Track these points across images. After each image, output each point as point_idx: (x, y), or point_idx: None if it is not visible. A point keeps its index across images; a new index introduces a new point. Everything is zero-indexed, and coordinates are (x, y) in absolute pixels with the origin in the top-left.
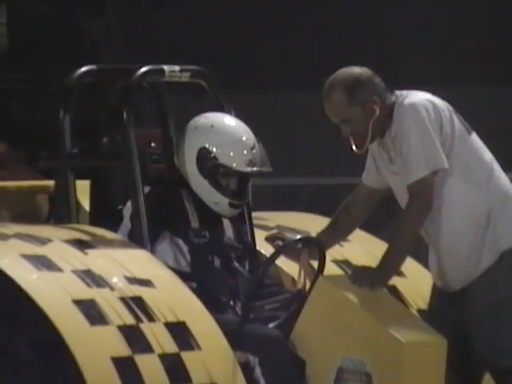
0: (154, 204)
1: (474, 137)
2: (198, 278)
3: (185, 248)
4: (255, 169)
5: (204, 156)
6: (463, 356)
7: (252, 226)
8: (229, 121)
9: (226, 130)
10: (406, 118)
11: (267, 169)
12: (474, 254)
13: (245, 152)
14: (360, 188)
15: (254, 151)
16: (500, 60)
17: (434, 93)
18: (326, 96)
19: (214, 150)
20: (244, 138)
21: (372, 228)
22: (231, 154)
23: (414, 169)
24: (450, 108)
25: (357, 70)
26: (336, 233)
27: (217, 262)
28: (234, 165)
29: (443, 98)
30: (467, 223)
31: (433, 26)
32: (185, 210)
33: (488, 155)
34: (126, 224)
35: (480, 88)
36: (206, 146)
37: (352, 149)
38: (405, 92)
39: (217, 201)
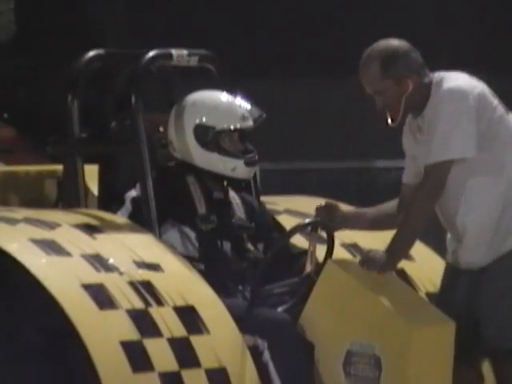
0: (159, 192)
1: (510, 118)
2: (206, 263)
3: (192, 235)
4: (250, 122)
5: (201, 131)
6: (474, 337)
7: (264, 206)
8: (204, 92)
9: (206, 99)
10: (442, 102)
11: (260, 115)
12: (500, 233)
13: (234, 109)
14: (404, 188)
15: (242, 105)
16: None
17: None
18: (362, 66)
19: (207, 121)
20: (228, 99)
21: None
22: (223, 116)
23: (437, 151)
24: (486, 89)
25: (395, 42)
26: (355, 221)
27: (226, 246)
28: (232, 125)
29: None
30: (496, 201)
31: (437, 12)
32: (191, 196)
33: None
34: (127, 207)
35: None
36: (197, 121)
37: (386, 122)
38: (443, 73)
39: (233, 166)
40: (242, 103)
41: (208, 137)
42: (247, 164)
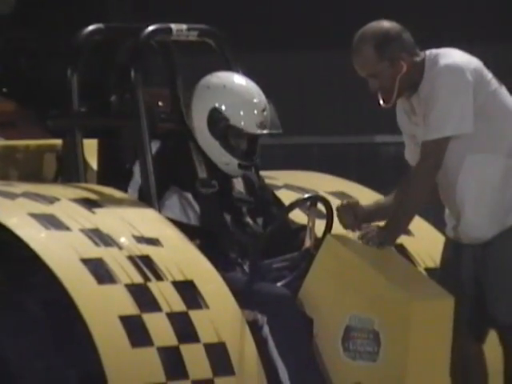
0: (162, 158)
1: (506, 92)
2: (207, 232)
3: (194, 201)
4: (265, 131)
5: (216, 116)
6: (477, 311)
7: (263, 181)
8: (241, 81)
9: (238, 91)
10: (439, 78)
11: (277, 131)
12: (503, 207)
13: (256, 113)
14: (410, 169)
15: (265, 113)
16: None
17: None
18: (354, 50)
19: (226, 110)
20: (256, 100)
21: (381, 187)
22: (242, 115)
23: (435, 128)
24: (481, 64)
25: (386, 24)
26: (378, 213)
27: (227, 217)
28: (245, 126)
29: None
30: (496, 174)
31: None
32: (192, 161)
33: None
34: (137, 180)
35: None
36: (217, 106)
37: (379, 103)
38: (435, 51)
39: (227, 162)
40: (268, 111)
41: (219, 124)
42: (240, 166)
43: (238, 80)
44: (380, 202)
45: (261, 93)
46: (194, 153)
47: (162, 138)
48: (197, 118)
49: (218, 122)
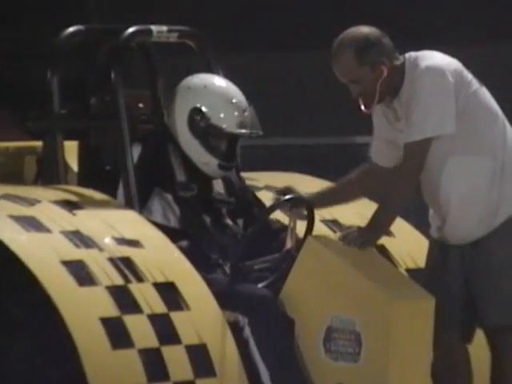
0: (142, 161)
1: (486, 93)
2: (187, 234)
3: (174, 204)
4: (245, 131)
5: (196, 116)
6: (464, 312)
7: (244, 182)
8: (222, 82)
9: (218, 91)
10: (419, 80)
11: (257, 132)
12: (489, 207)
13: (236, 114)
14: (370, 166)
15: (246, 114)
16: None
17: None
18: (334, 56)
19: (206, 110)
20: (236, 100)
21: None
22: (223, 115)
23: (416, 129)
24: (461, 65)
25: (366, 29)
26: (334, 199)
27: (207, 219)
28: (225, 126)
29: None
30: (480, 175)
31: None
32: (171, 164)
33: (500, 111)
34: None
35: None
36: (198, 106)
37: (360, 109)
38: (414, 53)
39: (206, 161)
40: (248, 112)
41: (199, 124)
42: (220, 166)
43: (219, 81)
44: (331, 188)
45: (241, 94)
46: (173, 155)
47: (142, 141)
48: (178, 119)
49: (198, 122)
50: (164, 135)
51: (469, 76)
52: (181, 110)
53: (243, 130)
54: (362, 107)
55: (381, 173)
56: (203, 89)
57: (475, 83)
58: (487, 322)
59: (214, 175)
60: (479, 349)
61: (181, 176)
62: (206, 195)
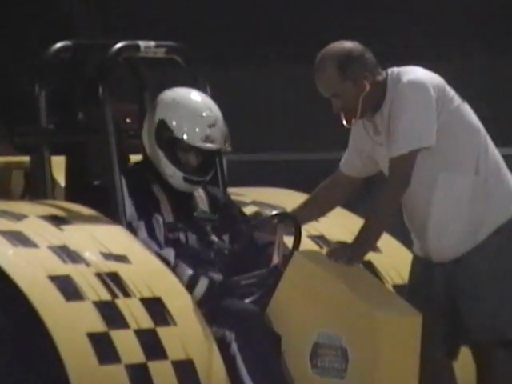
0: (129, 179)
1: (468, 108)
2: (174, 255)
3: (162, 228)
4: (210, 145)
5: (161, 128)
6: (450, 328)
7: (229, 198)
8: (193, 96)
9: (186, 104)
10: (402, 94)
11: (224, 147)
12: (472, 224)
13: (201, 127)
14: (339, 175)
15: (213, 128)
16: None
17: (429, 68)
18: (317, 71)
19: (171, 122)
20: (204, 114)
21: (348, 203)
22: (186, 128)
23: (401, 144)
24: (443, 81)
25: (348, 44)
26: (312, 211)
27: (192, 238)
28: (188, 139)
29: (440, 72)
30: (461, 192)
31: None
32: (158, 203)
33: (481, 127)
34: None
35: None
36: (165, 118)
37: (342, 124)
38: (397, 69)
39: (171, 173)
40: (218, 126)
41: (164, 135)
42: (185, 179)
43: (191, 94)
44: (302, 204)
45: (213, 108)
46: (160, 195)
47: (126, 175)
48: (147, 130)
49: (163, 133)
50: (146, 171)
51: (451, 92)
52: (150, 122)
53: (209, 145)
54: (344, 122)
55: (345, 182)
56: (171, 102)
57: (457, 99)
58: (472, 338)
59: (181, 188)
60: (465, 365)
61: (168, 217)
62: (189, 218)
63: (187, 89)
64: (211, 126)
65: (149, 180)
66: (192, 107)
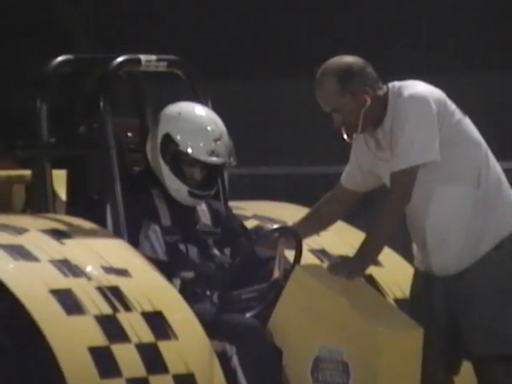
0: (129, 192)
1: (469, 122)
2: (174, 269)
3: (161, 239)
4: (216, 159)
5: (166, 142)
6: (450, 343)
7: (231, 211)
8: (198, 110)
9: (191, 118)
10: (403, 108)
11: (229, 162)
12: (473, 236)
13: (206, 141)
14: (340, 189)
15: (219, 142)
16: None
17: (431, 81)
18: (317, 85)
19: (176, 136)
20: (209, 128)
21: (349, 217)
22: (191, 142)
23: (402, 158)
24: (444, 95)
25: (349, 59)
26: (313, 225)
27: (193, 251)
28: (193, 153)
29: (439, 85)
30: (464, 205)
31: (431, 14)
32: (156, 208)
33: (482, 141)
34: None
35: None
36: (170, 132)
37: (343, 138)
38: (398, 83)
39: (176, 187)
40: (223, 141)
41: (168, 149)
42: (190, 194)
43: (196, 109)
44: (303, 218)
45: (218, 122)
46: (158, 200)
47: (125, 183)
48: (152, 144)
49: (168, 147)
50: (147, 176)
51: (452, 106)
52: (155, 135)
53: (214, 159)
54: (345, 136)
55: (346, 196)
56: (177, 115)
57: (458, 113)
58: (473, 352)
59: (186, 202)
60: (466, 379)
61: (166, 221)
62: (190, 231)
63: (191, 103)
64: (216, 140)
65: (148, 187)
66: (197, 121)
